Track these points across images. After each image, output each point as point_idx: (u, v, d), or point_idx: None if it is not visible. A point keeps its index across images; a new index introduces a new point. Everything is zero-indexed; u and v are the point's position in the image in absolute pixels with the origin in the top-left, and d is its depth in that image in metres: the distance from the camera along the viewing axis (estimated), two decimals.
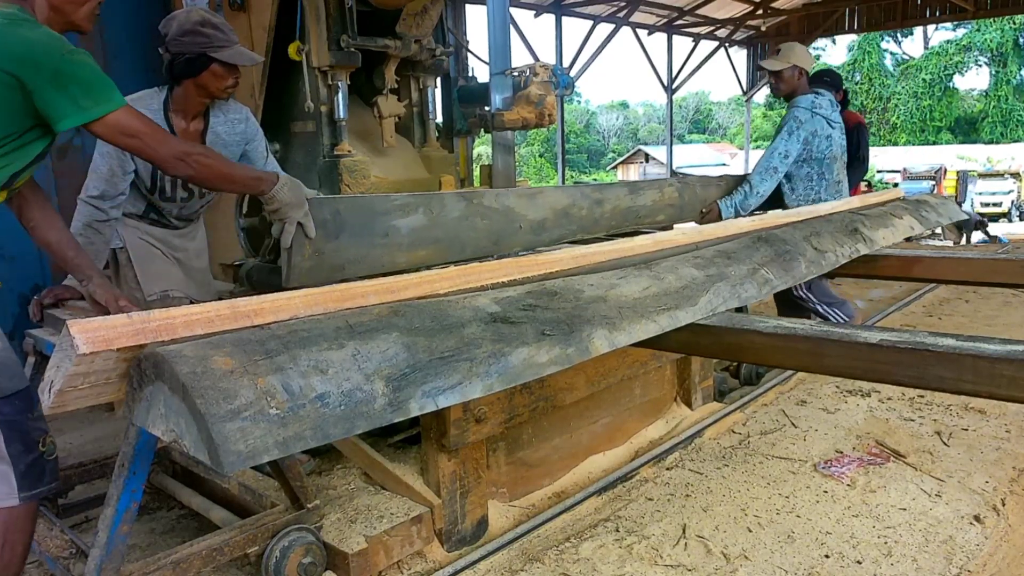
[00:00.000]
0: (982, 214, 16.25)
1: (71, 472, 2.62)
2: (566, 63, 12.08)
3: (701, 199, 3.95)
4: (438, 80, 3.80)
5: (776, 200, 4.07)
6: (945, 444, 3.10)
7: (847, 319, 3.98)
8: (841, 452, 3.05)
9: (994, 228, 14.36)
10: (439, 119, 3.93)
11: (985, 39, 31.31)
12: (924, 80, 32.91)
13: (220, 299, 1.66)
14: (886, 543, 2.39)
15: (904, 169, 19.88)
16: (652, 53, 14.11)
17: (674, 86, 15.06)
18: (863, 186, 5.58)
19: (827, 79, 4.58)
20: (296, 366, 1.14)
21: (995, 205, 22.25)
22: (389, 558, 2.29)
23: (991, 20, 28.16)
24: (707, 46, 15.37)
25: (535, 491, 2.82)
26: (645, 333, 1.67)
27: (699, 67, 15.32)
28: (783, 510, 2.61)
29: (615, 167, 38.42)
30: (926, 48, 34.58)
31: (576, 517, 2.64)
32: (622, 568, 2.29)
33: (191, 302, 2.52)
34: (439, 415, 2.33)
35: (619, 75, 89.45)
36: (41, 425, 1.77)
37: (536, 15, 11.75)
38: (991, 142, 30.86)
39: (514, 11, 10.61)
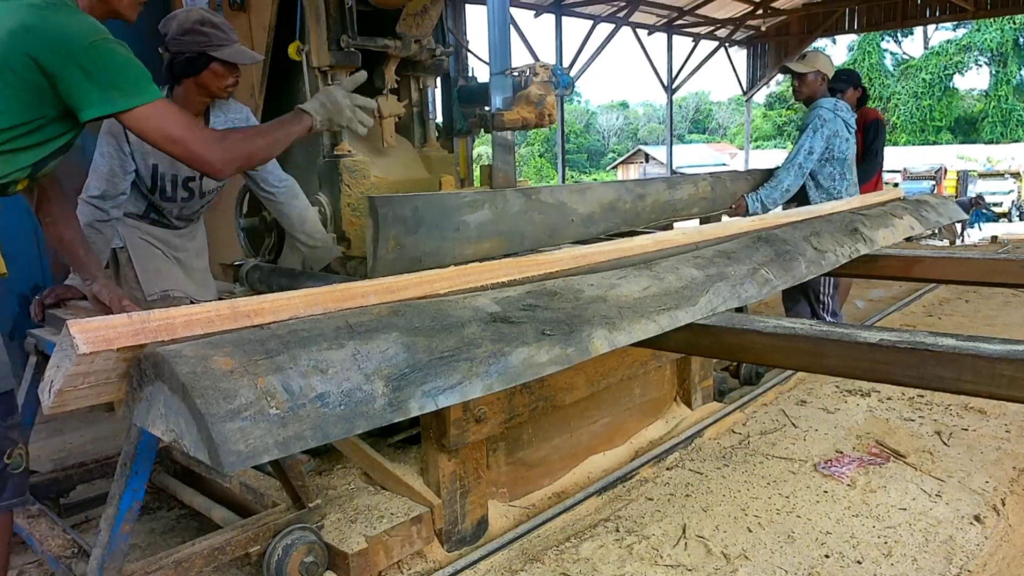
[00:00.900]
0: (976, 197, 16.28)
1: (72, 472, 2.63)
2: (566, 63, 12.08)
3: (731, 193, 4.10)
4: (438, 80, 3.80)
5: (801, 198, 4.21)
6: (945, 444, 3.10)
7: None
8: (841, 452, 3.05)
9: (994, 228, 14.36)
10: (439, 119, 3.92)
11: (985, 39, 31.30)
12: (924, 80, 32.90)
13: (220, 299, 1.66)
14: (886, 543, 2.39)
15: (904, 169, 19.86)
16: (652, 53, 14.11)
17: (674, 86, 15.05)
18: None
19: (844, 77, 4.72)
20: (296, 366, 1.14)
21: (995, 205, 22.24)
22: (389, 558, 2.30)
23: (991, 20, 28.15)
24: (707, 46, 15.37)
25: (535, 491, 2.82)
26: (645, 333, 1.67)
27: (699, 67, 15.32)
28: (783, 510, 2.61)
29: (615, 167, 38.41)
30: (926, 48, 34.58)
31: (576, 517, 2.64)
32: (622, 568, 2.30)
33: (191, 302, 2.52)
34: (439, 415, 2.34)
35: (619, 75, 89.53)
36: (13, 435, 1.67)
37: (536, 15, 11.74)
38: (991, 142, 30.84)
39: (514, 11, 10.61)
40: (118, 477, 1.87)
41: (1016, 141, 30.09)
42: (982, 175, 22.96)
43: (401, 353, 1.25)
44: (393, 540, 2.30)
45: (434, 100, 3.78)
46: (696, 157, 32.60)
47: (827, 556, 2.33)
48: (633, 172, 34.99)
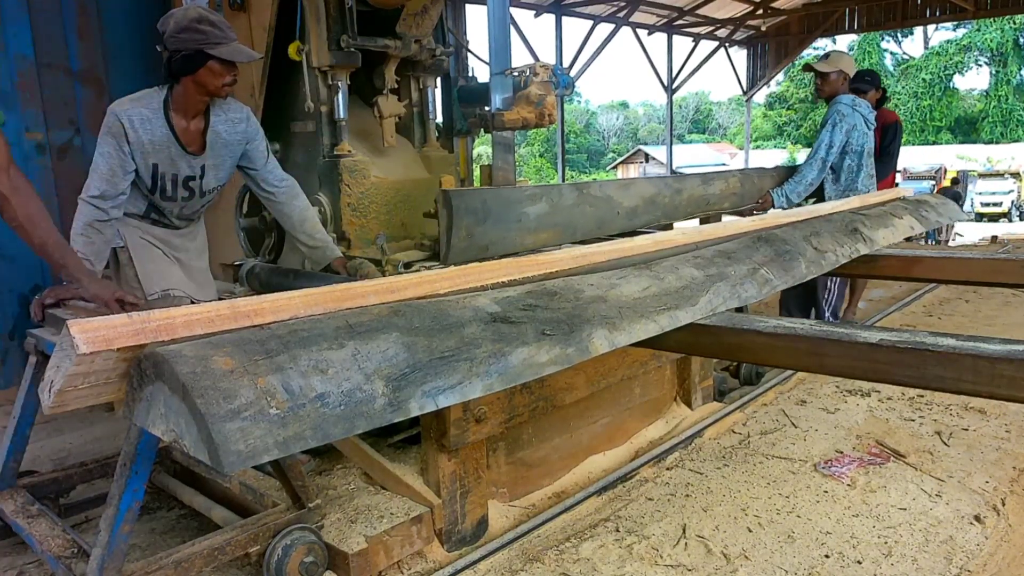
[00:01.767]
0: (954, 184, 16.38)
1: (72, 472, 2.63)
2: (566, 63, 12.07)
3: (759, 188, 4.42)
4: (438, 80, 3.80)
5: (818, 191, 4.41)
6: (945, 444, 3.10)
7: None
8: (841, 452, 3.05)
9: (994, 228, 14.34)
10: (439, 119, 3.92)
11: (985, 39, 31.30)
12: (924, 80, 32.90)
13: (220, 299, 1.66)
14: (886, 543, 2.39)
15: (904, 169, 19.86)
16: (652, 53, 14.10)
17: (674, 86, 15.04)
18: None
19: (867, 78, 4.91)
20: (296, 366, 1.14)
21: (995, 205, 22.24)
22: (389, 558, 2.29)
23: (991, 20, 28.15)
24: (707, 46, 15.36)
25: (535, 491, 2.82)
26: (645, 333, 1.67)
27: (699, 67, 15.31)
28: (783, 510, 2.61)
29: (615, 167, 38.40)
30: (926, 48, 34.59)
31: (576, 517, 2.64)
32: (622, 568, 2.30)
33: (192, 301, 2.52)
34: (439, 415, 2.34)
35: (619, 75, 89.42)
36: None
37: (536, 15, 11.73)
38: (991, 142, 30.86)
39: (514, 11, 10.60)
40: (118, 477, 1.87)
41: (1016, 141, 30.11)
42: (982, 175, 22.96)
43: (401, 353, 1.25)
44: (393, 540, 2.30)
45: (434, 100, 3.78)
46: (696, 157, 32.60)
47: (827, 556, 2.33)
48: (633, 172, 34.98)
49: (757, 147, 31.09)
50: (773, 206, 4.31)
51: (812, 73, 4.47)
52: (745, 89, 16.72)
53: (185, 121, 2.46)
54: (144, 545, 2.50)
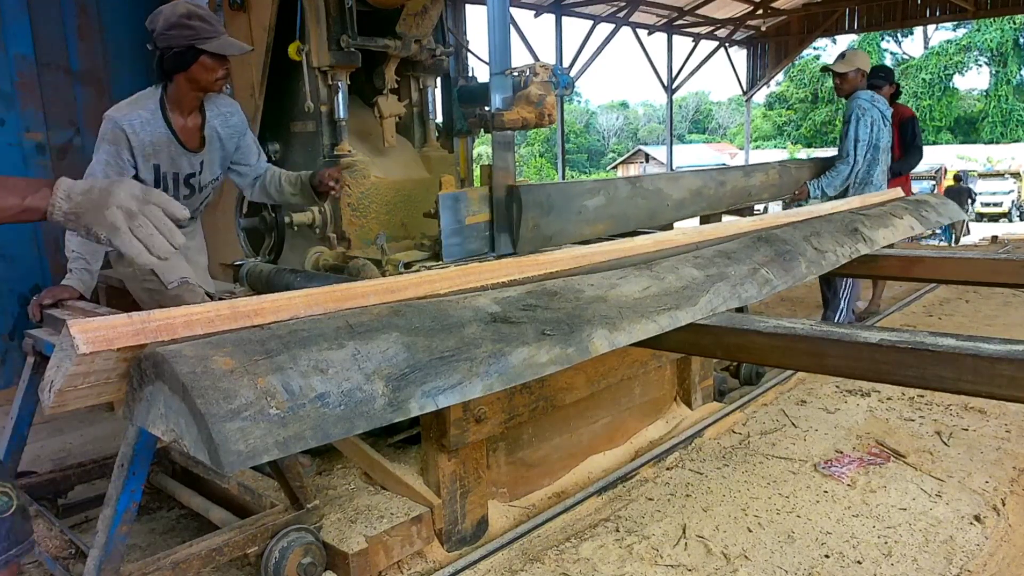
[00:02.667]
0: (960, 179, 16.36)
1: (71, 472, 2.63)
2: (566, 63, 12.07)
3: (796, 180, 4.71)
4: (438, 80, 3.80)
5: None
6: (945, 444, 3.10)
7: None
8: (841, 452, 3.05)
9: (994, 228, 14.34)
10: (439, 119, 3.92)
11: (985, 39, 31.31)
12: (924, 80, 32.90)
13: (220, 299, 1.66)
14: (886, 543, 2.39)
15: None
16: (652, 53, 14.10)
17: (674, 86, 15.05)
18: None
19: (882, 74, 5.09)
20: (296, 366, 1.14)
21: (995, 205, 22.25)
22: (389, 558, 2.29)
23: (991, 20, 28.15)
24: (707, 46, 15.36)
25: (535, 491, 2.82)
26: (645, 333, 1.66)
27: (699, 67, 15.31)
28: (783, 510, 2.61)
29: (615, 167, 38.39)
30: (926, 48, 34.59)
31: (576, 517, 2.63)
32: (622, 568, 2.29)
33: (207, 294, 2.53)
34: (439, 415, 2.34)
35: (619, 75, 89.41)
36: None
37: (536, 15, 11.73)
38: (991, 142, 30.86)
39: (514, 11, 10.60)
40: (115, 478, 1.86)
41: (1016, 141, 30.11)
42: (982, 175, 22.97)
43: (401, 353, 1.25)
44: (393, 540, 2.29)
45: (434, 100, 3.78)
46: (696, 157, 32.58)
47: (827, 556, 2.33)
48: (633, 172, 34.96)
49: (757, 147, 31.10)
50: (808, 197, 4.57)
51: (830, 74, 4.65)
52: (745, 89, 16.72)
53: (182, 119, 2.46)
54: (144, 545, 2.50)
